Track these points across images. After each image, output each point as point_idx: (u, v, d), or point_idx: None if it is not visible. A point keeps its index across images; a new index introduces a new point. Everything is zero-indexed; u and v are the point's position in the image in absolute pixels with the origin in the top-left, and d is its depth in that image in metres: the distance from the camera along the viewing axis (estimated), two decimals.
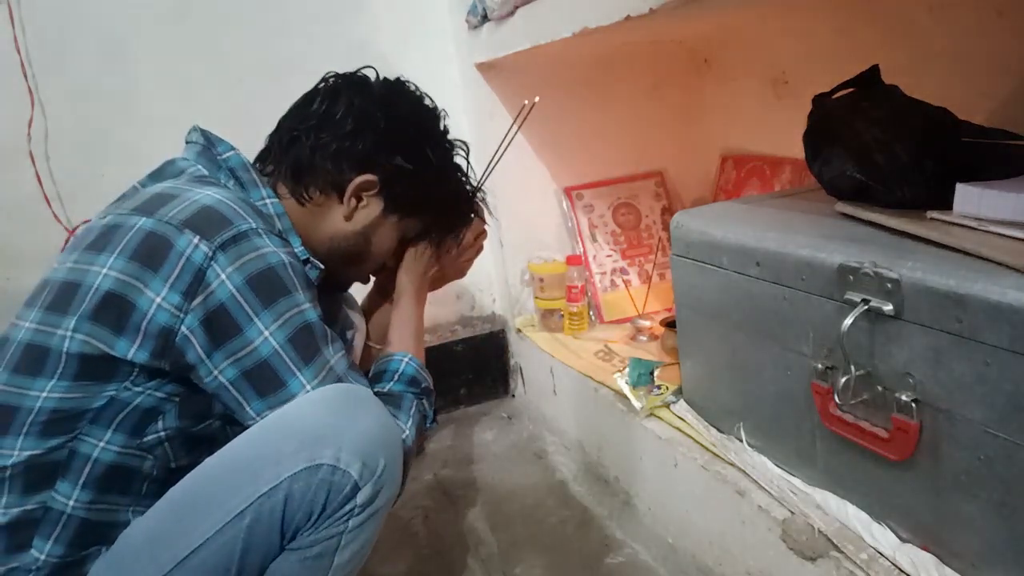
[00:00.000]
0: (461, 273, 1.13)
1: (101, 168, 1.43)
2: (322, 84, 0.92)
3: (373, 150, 0.89)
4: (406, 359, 0.92)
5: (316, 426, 0.71)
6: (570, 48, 1.28)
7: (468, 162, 1.00)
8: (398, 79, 0.94)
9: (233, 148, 0.87)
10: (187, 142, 0.89)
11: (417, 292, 1.02)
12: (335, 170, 0.88)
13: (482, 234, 1.11)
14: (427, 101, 0.95)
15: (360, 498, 0.71)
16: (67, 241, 1.42)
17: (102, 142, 1.43)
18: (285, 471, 0.68)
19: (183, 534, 0.69)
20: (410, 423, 0.84)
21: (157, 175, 0.86)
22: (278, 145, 0.91)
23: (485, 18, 1.41)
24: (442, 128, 0.96)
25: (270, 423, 0.73)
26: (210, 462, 0.72)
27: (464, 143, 0.99)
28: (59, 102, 1.40)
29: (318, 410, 0.73)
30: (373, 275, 1.05)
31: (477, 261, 1.40)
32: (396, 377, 0.90)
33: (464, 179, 1.00)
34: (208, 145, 0.86)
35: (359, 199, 0.90)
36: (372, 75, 0.93)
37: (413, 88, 0.95)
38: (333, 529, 0.71)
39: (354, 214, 0.91)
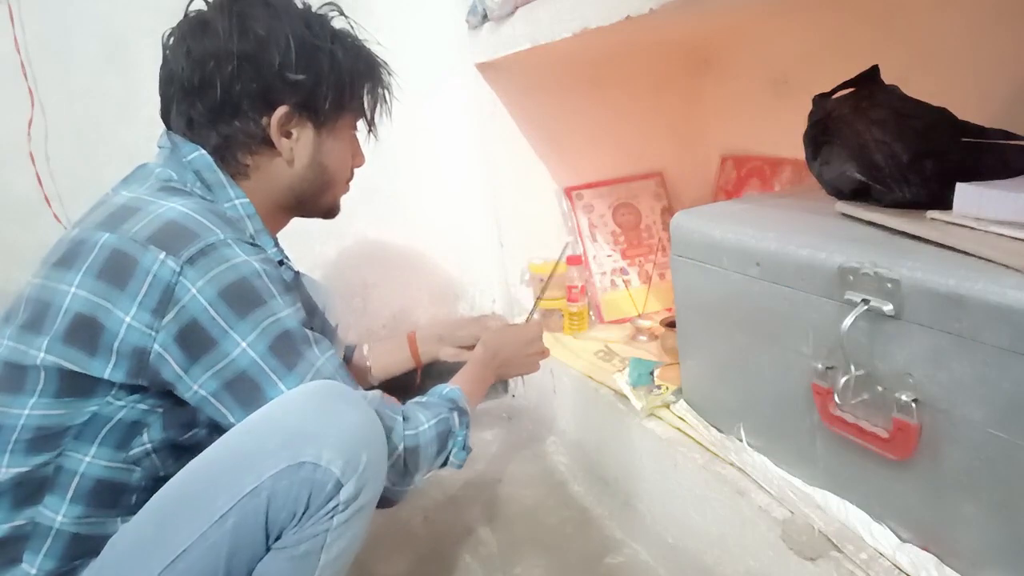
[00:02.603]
0: (532, 367, 1.16)
1: (101, 168, 1.42)
2: (168, 43, 0.85)
3: (263, 83, 0.83)
4: (453, 387, 0.95)
5: (296, 424, 0.70)
6: (570, 48, 1.28)
7: (345, 16, 0.92)
8: None
9: (197, 149, 0.84)
10: (158, 147, 0.87)
11: (484, 363, 1.06)
12: (244, 125, 0.84)
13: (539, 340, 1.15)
14: None
15: (343, 495, 0.70)
16: None
17: (102, 142, 1.43)
18: (267, 471, 0.67)
19: (169, 539, 0.68)
20: (432, 422, 0.85)
21: (128, 181, 0.84)
22: (189, 135, 0.85)
23: (485, 18, 1.41)
24: (300, 5, 0.88)
25: (251, 423, 0.72)
26: (193, 465, 0.71)
27: (333, 4, 0.92)
28: (59, 102, 1.40)
29: (298, 408, 0.72)
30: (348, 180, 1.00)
31: (477, 261, 1.40)
32: (437, 396, 0.93)
33: (353, 38, 0.92)
34: (174, 148, 0.84)
35: (288, 135, 0.87)
36: (207, 13, 0.84)
37: None
38: (318, 527, 0.70)
39: (293, 153, 0.88)
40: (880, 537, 0.76)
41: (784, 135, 1.40)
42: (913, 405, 0.70)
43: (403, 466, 0.83)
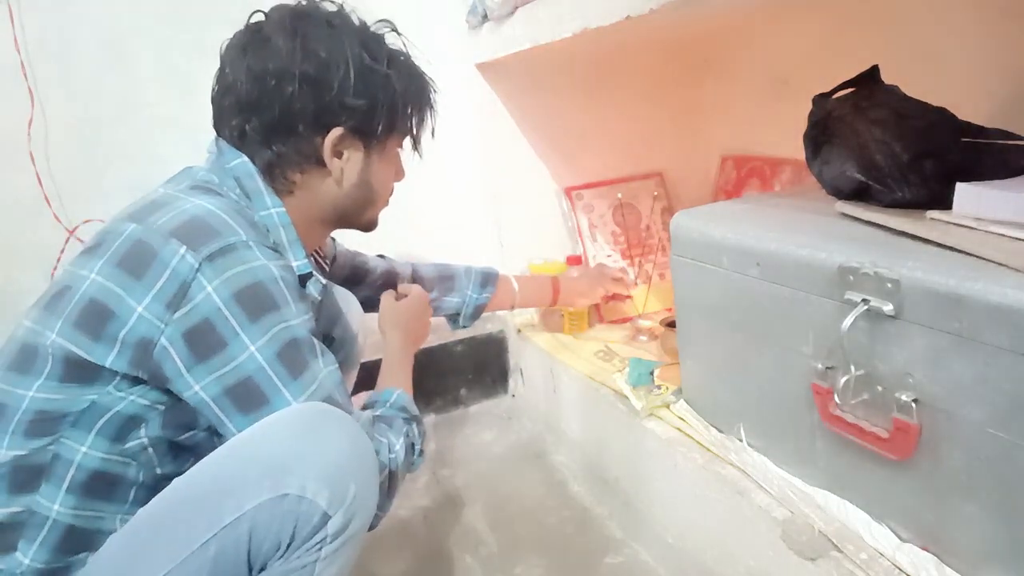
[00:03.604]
0: (427, 335, 1.16)
1: (101, 168, 1.43)
2: (227, 55, 0.84)
3: (321, 105, 0.82)
4: (397, 391, 0.92)
5: (281, 452, 0.69)
6: (570, 48, 1.28)
7: (397, 32, 0.91)
8: (294, 12, 0.84)
9: (240, 156, 0.84)
10: (207, 152, 0.88)
11: (403, 348, 1.03)
12: (297, 145, 0.84)
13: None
14: (326, 7, 0.86)
15: (331, 527, 0.68)
16: (67, 241, 1.42)
17: (102, 142, 1.43)
18: (249, 502, 0.66)
19: (149, 562, 0.67)
20: (401, 441, 0.84)
21: (169, 180, 0.85)
22: (239, 145, 0.85)
23: (485, 18, 1.41)
24: (357, 23, 0.87)
25: (236, 447, 0.71)
26: (177, 485, 0.71)
27: (387, 21, 0.90)
28: (59, 102, 1.40)
29: (283, 434, 0.71)
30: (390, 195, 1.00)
31: (477, 262, 1.41)
32: (388, 405, 0.90)
33: (406, 58, 0.91)
34: (220, 154, 0.85)
35: (339, 156, 0.87)
36: (269, 29, 0.83)
37: (308, 7, 0.85)
38: (305, 559, 0.68)
39: (343, 173, 0.88)
40: (880, 537, 0.76)
41: (784, 135, 1.39)
42: (913, 405, 0.70)
43: (386, 490, 0.81)
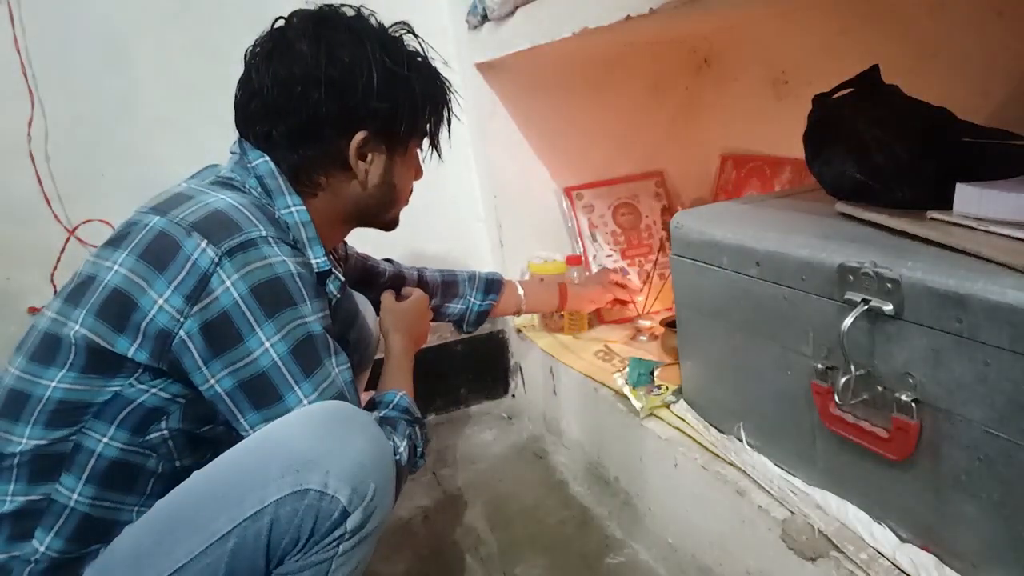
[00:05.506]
0: (426, 336, 1.16)
1: (101, 168, 1.43)
2: (252, 61, 0.85)
3: (347, 110, 0.84)
4: (400, 393, 0.92)
5: (304, 449, 0.70)
6: (570, 48, 1.28)
7: (414, 34, 0.92)
8: (316, 17, 0.85)
9: (263, 156, 0.85)
10: (230, 152, 0.89)
11: (405, 351, 1.04)
12: (323, 149, 0.85)
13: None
14: (346, 12, 0.87)
15: (350, 524, 0.70)
16: (67, 241, 1.42)
17: (102, 142, 1.43)
18: (270, 496, 0.67)
19: (167, 553, 0.68)
20: (405, 443, 0.84)
21: (193, 176, 0.86)
22: (264, 147, 0.86)
23: (485, 18, 1.41)
24: (376, 26, 0.88)
25: (258, 442, 0.72)
26: (197, 477, 0.72)
27: (404, 23, 0.91)
28: (59, 102, 1.40)
29: (306, 431, 0.72)
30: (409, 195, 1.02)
31: (477, 261, 1.41)
32: (391, 406, 0.90)
33: (424, 60, 0.92)
34: (242, 154, 0.86)
35: (363, 158, 0.88)
36: (292, 35, 0.83)
37: (330, 12, 0.86)
38: (322, 554, 0.69)
39: (367, 175, 0.89)
40: (880, 537, 0.76)
41: (784, 135, 1.40)
42: (913, 405, 0.70)
43: None
